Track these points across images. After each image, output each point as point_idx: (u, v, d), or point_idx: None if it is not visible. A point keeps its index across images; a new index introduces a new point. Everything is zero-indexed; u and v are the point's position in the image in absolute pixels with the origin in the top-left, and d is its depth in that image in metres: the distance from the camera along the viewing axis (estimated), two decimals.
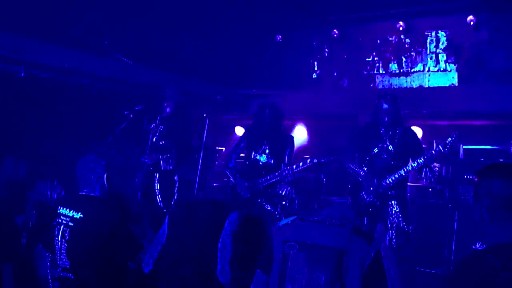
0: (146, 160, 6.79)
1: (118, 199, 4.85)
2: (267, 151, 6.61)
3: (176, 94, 7.05)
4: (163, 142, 6.83)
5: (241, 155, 6.94)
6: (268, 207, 6.49)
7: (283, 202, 6.68)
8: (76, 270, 4.09)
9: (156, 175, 6.86)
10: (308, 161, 6.32)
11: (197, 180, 6.84)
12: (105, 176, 4.46)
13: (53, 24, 7.20)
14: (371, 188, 5.93)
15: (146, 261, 4.15)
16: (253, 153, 6.68)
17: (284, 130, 6.89)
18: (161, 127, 6.90)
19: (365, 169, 6.00)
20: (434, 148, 5.74)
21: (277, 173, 6.40)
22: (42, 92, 7.23)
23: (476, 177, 2.69)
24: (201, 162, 6.86)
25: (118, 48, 7.93)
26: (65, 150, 7.30)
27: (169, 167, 6.83)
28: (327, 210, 3.49)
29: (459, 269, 2.55)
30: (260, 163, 6.64)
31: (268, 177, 6.50)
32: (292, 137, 6.76)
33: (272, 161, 6.58)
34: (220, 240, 3.75)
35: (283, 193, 6.70)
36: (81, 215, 4.15)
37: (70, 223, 4.15)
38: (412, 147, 6.02)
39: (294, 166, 6.32)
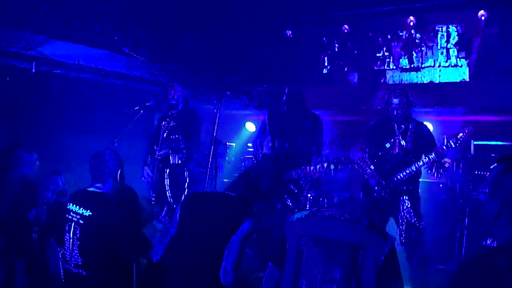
0: (157, 156, 6.80)
1: (128, 197, 4.85)
2: (284, 131, 6.59)
3: (179, 87, 7.04)
4: (174, 136, 6.85)
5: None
6: (289, 202, 6.45)
7: (309, 196, 6.57)
8: (88, 267, 4.09)
9: (166, 170, 6.87)
10: (326, 165, 6.26)
11: (207, 176, 6.83)
12: (119, 172, 4.45)
13: (63, 20, 7.22)
14: (377, 188, 5.93)
15: (155, 250, 4.15)
16: (276, 142, 6.67)
17: (309, 113, 6.80)
18: (172, 123, 6.90)
19: (372, 167, 6.00)
20: (445, 143, 5.73)
21: (299, 171, 6.35)
22: (53, 87, 7.25)
23: (497, 166, 2.46)
24: (212, 158, 6.84)
25: (128, 44, 7.93)
26: (76, 145, 7.34)
27: (179, 161, 6.83)
28: (340, 205, 3.49)
29: (465, 268, 2.40)
30: (276, 145, 6.67)
31: (292, 173, 6.47)
32: (318, 117, 6.68)
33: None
34: (230, 241, 3.74)
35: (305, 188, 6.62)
36: (90, 213, 4.14)
37: (80, 221, 4.15)
38: (425, 141, 6.01)
39: (312, 168, 6.28)
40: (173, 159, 6.85)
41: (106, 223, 4.12)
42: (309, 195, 6.48)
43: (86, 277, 4.09)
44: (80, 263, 4.10)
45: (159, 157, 6.79)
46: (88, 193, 4.35)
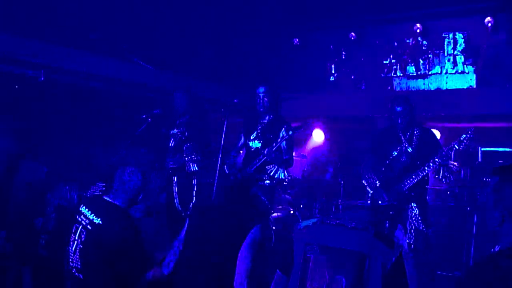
0: (171, 165, 6.82)
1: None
2: (259, 134, 6.64)
3: (185, 95, 7.04)
4: (188, 144, 6.85)
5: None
6: (263, 198, 6.48)
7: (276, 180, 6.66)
8: (85, 272, 4.10)
9: (174, 178, 6.88)
10: (288, 133, 6.39)
11: (215, 184, 6.84)
12: (141, 194, 4.42)
13: (72, 29, 7.26)
14: (379, 202, 5.93)
15: (166, 262, 4.15)
16: (247, 141, 6.73)
17: (281, 117, 6.83)
18: (181, 133, 6.91)
19: (378, 183, 5.99)
20: (449, 146, 5.72)
21: (261, 155, 6.45)
22: (61, 96, 7.28)
23: (501, 175, 2.54)
24: (219, 166, 6.85)
25: (136, 53, 7.97)
26: (84, 153, 7.36)
27: (196, 169, 6.82)
28: (348, 213, 3.50)
29: (472, 272, 2.52)
30: (252, 149, 6.68)
31: (255, 161, 6.54)
32: (288, 124, 6.69)
33: (260, 146, 6.59)
34: (240, 251, 3.73)
35: (272, 174, 6.61)
36: (100, 222, 4.14)
37: (88, 226, 4.15)
38: (431, 147, 5.99)
39: (274, 144, 6.37)
40: (189, 167, 6.82)
41: (112, 235, 4.10)
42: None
43: (83, 282, 4.10)
44: (79, 267, 4.11)
45: (176, 165, 6.80)
46: (103, 201, 4.32)
